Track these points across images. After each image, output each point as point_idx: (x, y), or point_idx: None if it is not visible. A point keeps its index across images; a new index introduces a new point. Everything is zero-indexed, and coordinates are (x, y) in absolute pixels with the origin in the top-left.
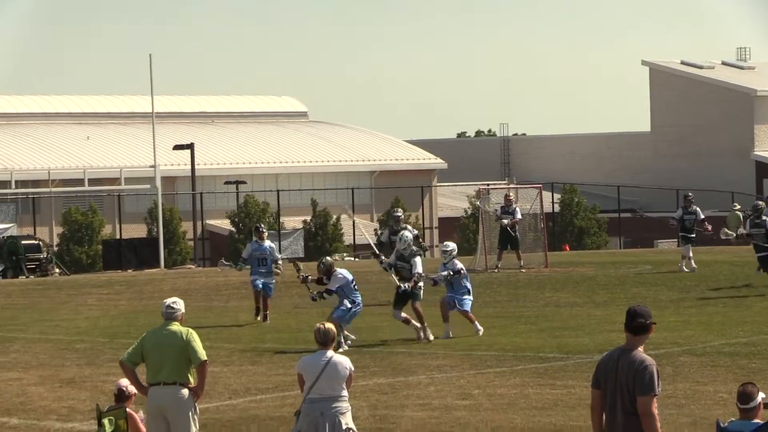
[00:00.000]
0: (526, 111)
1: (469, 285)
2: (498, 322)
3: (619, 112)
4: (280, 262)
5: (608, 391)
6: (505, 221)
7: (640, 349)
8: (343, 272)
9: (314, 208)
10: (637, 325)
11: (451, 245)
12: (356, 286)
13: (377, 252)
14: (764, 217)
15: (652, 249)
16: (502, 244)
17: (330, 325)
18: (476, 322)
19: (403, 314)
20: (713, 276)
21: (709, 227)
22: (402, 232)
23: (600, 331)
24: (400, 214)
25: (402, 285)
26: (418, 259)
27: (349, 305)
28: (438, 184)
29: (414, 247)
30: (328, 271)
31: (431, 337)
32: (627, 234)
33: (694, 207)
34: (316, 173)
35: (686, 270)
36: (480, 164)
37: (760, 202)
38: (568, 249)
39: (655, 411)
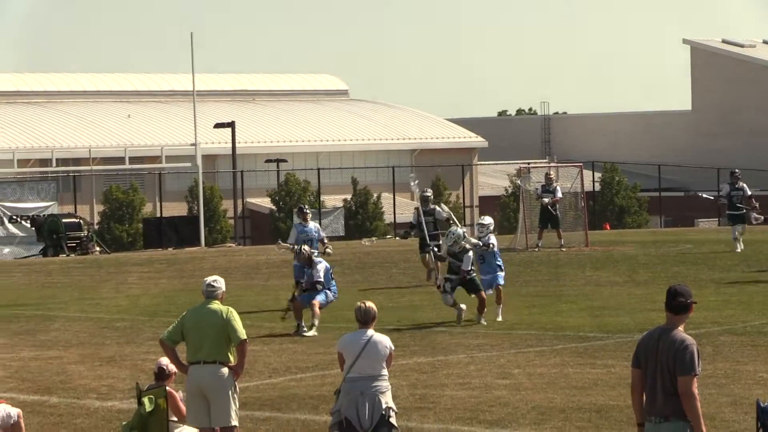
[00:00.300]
0: (567, 89)
1: (500, 261)
2: (538, 301)
3: (660, 90)
4: (326, 241)
5: (648, 371)
6: (546, 200)
7: (681, 328)
8: (323, 261)
9: (355, 186)
10: (677, 304)
11: (488, 219)
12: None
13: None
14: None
15: (693, 228)
16: (542, 223)
17: (371, 304)
18: (500, 308)
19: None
20: (754, 255)
21: (757, 205)
22: (451, 229)
23: (640, 310)
24: (429, 194)
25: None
26: (469, 255)
27: (331, 295)
28: (479, 162)
29: (465, 244)
30: (309, 259)
31: (484, 322)
32: (668, 213)
33: (741, 183)
34: (357, 152)
35: (739, 249)
36: (521, 143)
37: None
38: (608, 228)
39: (696, 391)
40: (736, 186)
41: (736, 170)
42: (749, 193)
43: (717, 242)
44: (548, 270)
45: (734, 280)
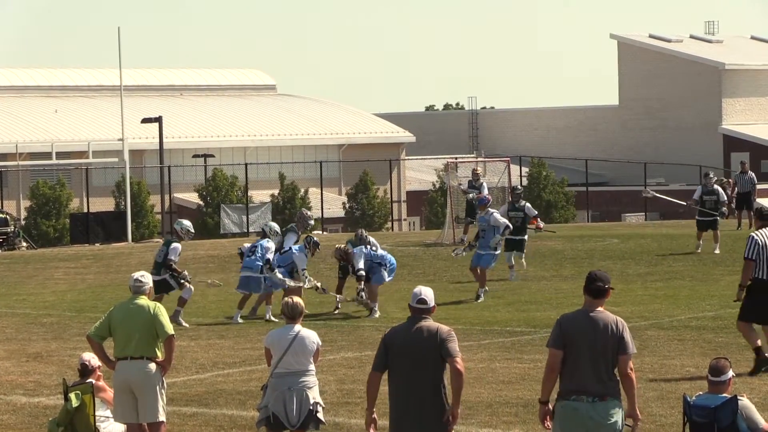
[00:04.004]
0: (495, 84)
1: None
2: (465, 296)
3: (587, 85)
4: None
5: (579, 352)
6: (470, 196)
7: (602, 308)
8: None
9: (282, 181)
10: (596, 288)
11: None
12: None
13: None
14: (716, 187)
15: (620, 222)
16: (469, 217)
17: (298, 299)
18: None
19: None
20: (680, 249)
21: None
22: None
23: (567, 304)
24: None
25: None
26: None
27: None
28: (406, 157)
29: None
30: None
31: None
32: (595, 208)
33: (716, 186)
34: (284, 146)
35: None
36: (448, 138)
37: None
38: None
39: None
40: (709, 189)
41: (710, 173)
42: (724, 198)
43: (643, 237)
44: None
45: (660, 275)
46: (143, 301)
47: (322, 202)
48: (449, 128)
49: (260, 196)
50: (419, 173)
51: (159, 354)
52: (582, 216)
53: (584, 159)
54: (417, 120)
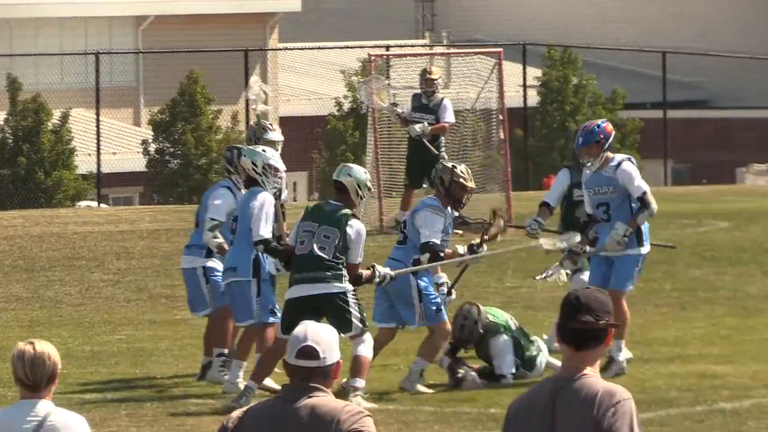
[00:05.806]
0: None
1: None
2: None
3: None
4: None
5: None
6: (419, 128)
7: (593, 371)
8: None
9: (13, 95)
10: (579, 328)
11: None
12: None
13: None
14: None
15: (735, 186)
16: (412, 177)
17: (46, 346)
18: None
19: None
20: None
21: None
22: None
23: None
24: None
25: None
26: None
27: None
28: (281, 45)
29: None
30: None
31: None
32: (681, 154)
33: None
34: (17, 19)
35: None
36: (370, 5)
37: None
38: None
39: None
40: None
41: None
42: None
43: None
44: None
45: None
46: None
47: (98, 140)
48: None
49: None
50: (311, 80)
51: None
52: (656, 170)
53: (660, 51)
54: None
